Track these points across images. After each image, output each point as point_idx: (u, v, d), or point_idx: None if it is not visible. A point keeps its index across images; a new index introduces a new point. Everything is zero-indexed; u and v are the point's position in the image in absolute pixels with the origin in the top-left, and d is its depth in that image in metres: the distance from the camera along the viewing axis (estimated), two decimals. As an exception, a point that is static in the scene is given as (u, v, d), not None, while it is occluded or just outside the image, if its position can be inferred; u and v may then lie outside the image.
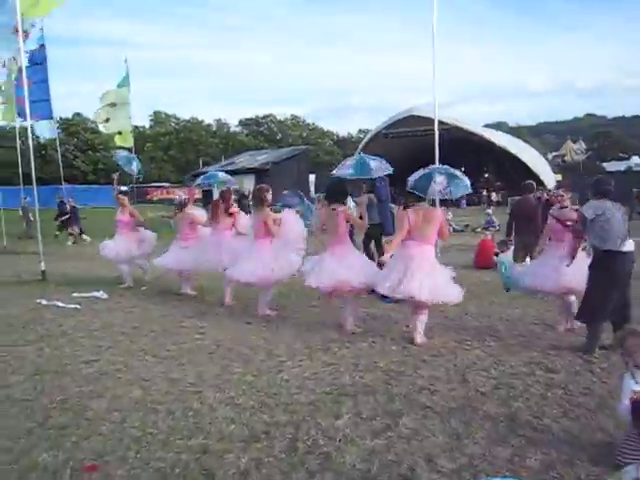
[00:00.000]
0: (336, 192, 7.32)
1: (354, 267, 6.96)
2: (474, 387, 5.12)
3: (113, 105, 22.29)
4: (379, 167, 8.54)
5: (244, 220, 9.25)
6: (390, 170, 8.39)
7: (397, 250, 6.62)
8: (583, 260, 6.25)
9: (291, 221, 8.10)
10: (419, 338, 6.50)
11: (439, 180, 6.72)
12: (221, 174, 10.68)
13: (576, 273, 6.29)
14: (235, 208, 9.39)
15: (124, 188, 11.20)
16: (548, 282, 6.76)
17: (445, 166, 7.03)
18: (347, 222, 7.19)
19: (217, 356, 6.21)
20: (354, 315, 7.27)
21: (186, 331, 7.33)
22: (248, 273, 8.02)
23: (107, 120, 22.03)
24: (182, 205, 10.11)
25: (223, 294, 9.15)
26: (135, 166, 11.75)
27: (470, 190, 6.95)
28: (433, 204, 6.78)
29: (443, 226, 6.63)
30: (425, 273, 6.31)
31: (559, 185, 8.29)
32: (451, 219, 23.18)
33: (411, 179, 6.67)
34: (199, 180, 10.58)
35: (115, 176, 11.75)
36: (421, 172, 6.76)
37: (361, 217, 7.77)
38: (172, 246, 10.09)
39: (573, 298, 6.81)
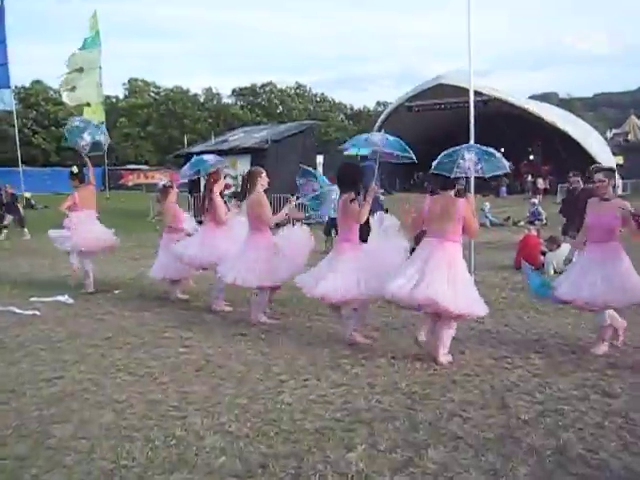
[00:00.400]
0: (346, 177, 7.34)
1: (362, 272, 7.00)
2: (515, 414, 5.11)
3: (80, 70, 22.27)
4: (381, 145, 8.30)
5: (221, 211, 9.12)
6: (412, 156, 8.13)
7: (419, 248, 6.64)
8: (628, 268, 6.26)
9: (297, 237, 8.35)
10: (442, 356, 6.45)
11: (468, 157, 6.69)
12: (211, 158, 10.49)
13: (625, 284, 6.29)
14: (216, 196, 9.19)
15: (75, 169, 10.80)
16: (582, 293, 6.56)
17: (476, 145, 7.01)
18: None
19: (205, 374, 6.22)
20: (360, 323, 7.28)
21: (168, 343, 7.35)
22: (236, 271, 8.15)
23: (73, 89, 22.04)
24: (164, 193, 10.14)
25: (212, 298, 9.23)
26: (89, 135, 11.29)
27: (507, 170, 6.87)
28: (460, 193, 6.70)
29: (468, 220, 6.54)
30: (445, 276, 6.29)
31: (596, 169, 8.20)
32: (488, 210, 23.15)
33: (436, 161, 6.69)
34: (184, 173, 10.47)
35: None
36: (446, 151, 6.77)
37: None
38: (159, 251, 10.14)
39: (611, 312, 6.76)
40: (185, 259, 9.18)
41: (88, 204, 10.81)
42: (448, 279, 6.27)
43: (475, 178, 8.86)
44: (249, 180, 8.31)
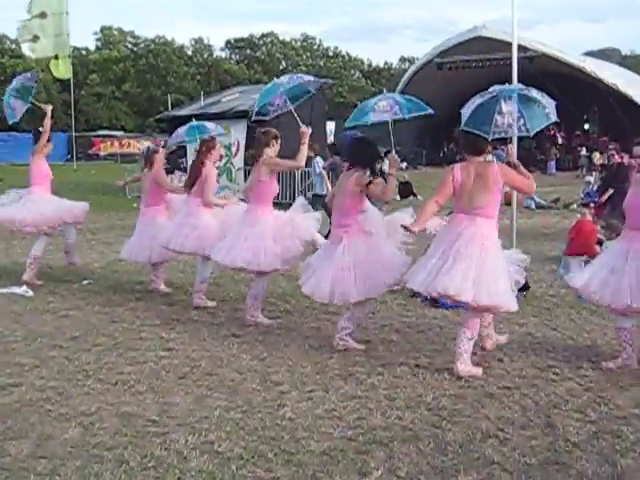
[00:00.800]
0: (358, 151, 7.32)
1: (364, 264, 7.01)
2: (563, 435, 5.11)
3: (43, 16, 22.15)
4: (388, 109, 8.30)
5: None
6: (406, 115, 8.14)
7: (442, 227, 6.62)
8: None
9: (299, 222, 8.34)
10: (461, 366, 6.36)
11: (506, 109, 6.55)
12: (212, 127, 10.48)
13: None
14: (209, 169, 9.17)
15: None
16: (605, 293, 6.56)
17: (516, 85, 6.93)
18: (361, 192, 7.16)
19: (190, 382, 6.24)
20: (350, 322, 7.26)
21: (147, 345, 7.37)
22: (235, 253, 8.13)
23: (35, 38, 21.95)
24: (148, 159, 10.15)
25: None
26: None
27: (554, 119, 6.73)
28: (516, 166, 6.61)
29: (516, 182, 6.56)
30: (471, 262, 6.22)
31: (638, 141, 8.02)
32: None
33: (465, 111, 6.57)
34: (172, 139, 10.43)
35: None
36: (478, 100, 6.64)
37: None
38: (137, 228, 10.18)
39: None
40: (163, 241, 9.18)
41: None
42: (476, 264, 6.20)
43: (519, 149, 8.78)
44: (264, 140, 8.37)
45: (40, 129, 10.93)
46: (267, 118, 8.82)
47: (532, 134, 6.68)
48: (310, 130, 8.28)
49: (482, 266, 6.23)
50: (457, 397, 5.86)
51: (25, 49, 23.09)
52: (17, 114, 11.02)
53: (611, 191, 14.04)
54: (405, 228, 6.65)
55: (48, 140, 10.97)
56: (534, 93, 6.63)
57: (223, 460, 4.73)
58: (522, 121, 6.54)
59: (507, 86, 6.84)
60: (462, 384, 6.16)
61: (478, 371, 6.37)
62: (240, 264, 8.08)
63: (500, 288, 6.27)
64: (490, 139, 6.48)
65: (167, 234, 9.11)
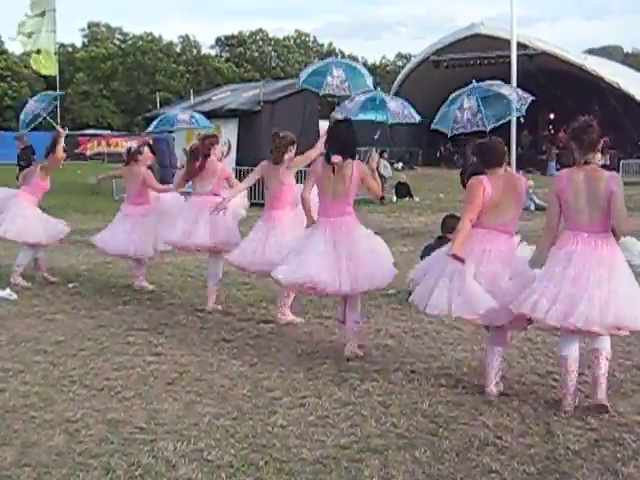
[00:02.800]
0: (343, 140, 7.29)
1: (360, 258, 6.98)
2: (563, 443, 5.11)
3: (42, 15, 22.21)
4: (399, 111, 8.52)
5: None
6: (416, 118, 8.35)
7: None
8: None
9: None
10: (495, 388, 6.07)
11: (467, 105, 6.62)
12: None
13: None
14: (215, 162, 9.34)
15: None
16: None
17: (482, 84, 7.04)
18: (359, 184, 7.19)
19: (179, 388, 6.23)
20: (355, 330, 7.24)
21: (134, 350, 7.35)
22: (250, 253, 8.20)
23: (30, 35, 21.94)
24: (132, 157, 10.29)
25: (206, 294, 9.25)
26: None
27: (516, 113, 6.77)
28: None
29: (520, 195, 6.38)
30: (503, 278, 6.02)
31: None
32: (532, 191, 23.08)
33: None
34: (155, 124, 10.52)
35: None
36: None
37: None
38: (116, 218, 10.32)
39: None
40: (172, 239, 9.30)
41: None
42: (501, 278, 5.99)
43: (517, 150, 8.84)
44: (280, 144, 8.35)
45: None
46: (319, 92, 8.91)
47: (488, 129, 6.75)
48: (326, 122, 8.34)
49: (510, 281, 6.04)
50: (454, 404, 5.86)
51: (19, 43, 23.09)
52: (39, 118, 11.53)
53: None
54: (455, 257, 5.99)
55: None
56: (503, 89, 6.70)
57: (213, 468, 4.72)
58: (479, 116, 6.59)
59: (475, 84, 6.95)
60: (459, 391, 6.16)
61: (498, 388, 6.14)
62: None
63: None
64: (450, 135, 6.53)
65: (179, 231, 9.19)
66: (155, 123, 10.72)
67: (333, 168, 7.04)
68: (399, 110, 8.41)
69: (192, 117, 10.40)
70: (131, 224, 10.06)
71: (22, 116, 11.54)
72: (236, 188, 8.91)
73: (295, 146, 8.39)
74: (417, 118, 8.26)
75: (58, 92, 11.81)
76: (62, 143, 10.86)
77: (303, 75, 8.92)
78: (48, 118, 11.05)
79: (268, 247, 8.07)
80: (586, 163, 5.67)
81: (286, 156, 8.29)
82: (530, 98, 6.83)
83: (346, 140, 7.16)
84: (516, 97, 6.77)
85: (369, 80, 8.81)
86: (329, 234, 7.07)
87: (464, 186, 6.52)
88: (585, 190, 5.62)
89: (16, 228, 10.60)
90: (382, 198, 7.40)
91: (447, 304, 5.95)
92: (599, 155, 5.78)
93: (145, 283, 10.32)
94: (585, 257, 5.57)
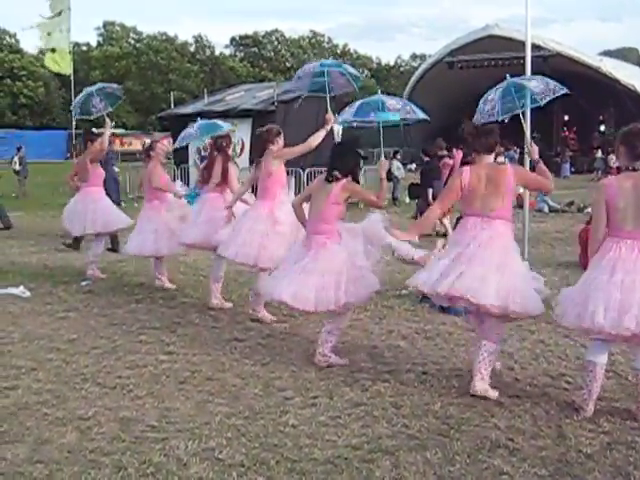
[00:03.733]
0: (340, 155, 7.21)
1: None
2: (575, 446, 5.09)
3: (59, 14, 22.38)
4: (400, 107, 8.40)
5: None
6: (419, 114, 8.26)
7: (454, 233, 6.58)
8: None
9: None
10: (479, 383, 6.09)
11: (490, 97, 6.68)
12: (226, 125, 10.67)
13: None
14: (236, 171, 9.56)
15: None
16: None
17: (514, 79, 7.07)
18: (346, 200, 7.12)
19: (191, 387, 6.25)
20: (334, 336, 7.07)
21: (147, 349, 7.38)
22: (242, 248, 8.24)
23: (49, 34, 22.11)
24: (146, 153, 10.45)
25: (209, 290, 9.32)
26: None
27: (532, 104, 6.84)
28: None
29: (533, 182, 6.48)
30: (492, 263, 6.03)
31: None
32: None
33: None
34: (186, 136, 10.64)
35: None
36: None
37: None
38: (138, 219, 10.48)
39: None
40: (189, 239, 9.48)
41: None
42: (497, 266, 5.99)
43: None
44: (265, 138, 8.51)
45: (94, 130, 11.38)
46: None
47: (499, 118, 6.80)
48: (336, 120, 8.32)
49: (505, 270, 6.04)
50: (465, 405, 5.85)
51: (40, 42, 23.33)
52: (94, 113, 11.41)
53: None
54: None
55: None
56: (532, 82, 6.72)
57: (224, 467, 4.73)
58: (496, 108, 6.63)
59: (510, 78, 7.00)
60: (472, 392, 6.14)
61: (494, 394, 6.05)
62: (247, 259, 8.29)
63: (528, 292, 6.08)
64: (475, 124, 6.52)
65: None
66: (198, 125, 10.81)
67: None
68: (399, 106, 8.30)
69: (198, 129, 10.50)
70: (151, 225, 10.14)
71: (79, 103, 11.73)
72: (237, 192, 9.09)
73: (281, 137, 8.50)
74: (421, 115, 8.12)
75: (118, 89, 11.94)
76: (108, 134, 11.23)
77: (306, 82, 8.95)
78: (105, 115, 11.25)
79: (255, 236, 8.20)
80: (634, 170, 5.65)
81: (273, 147, 8.39)
82: (560, 92, 6.82)
83: (341, 159, 7.10)
84: (542, 88, 6.77)
85: (347, 67, 8.93)
86: (307, 250, 7.05)
87: None
88: (633, 197, 5.56)
89: (103, 220, 11.25)
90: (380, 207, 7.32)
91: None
92: None
93: (168, 284, 10.39)
94: (629, 263, 5.53)
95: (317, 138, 8.27)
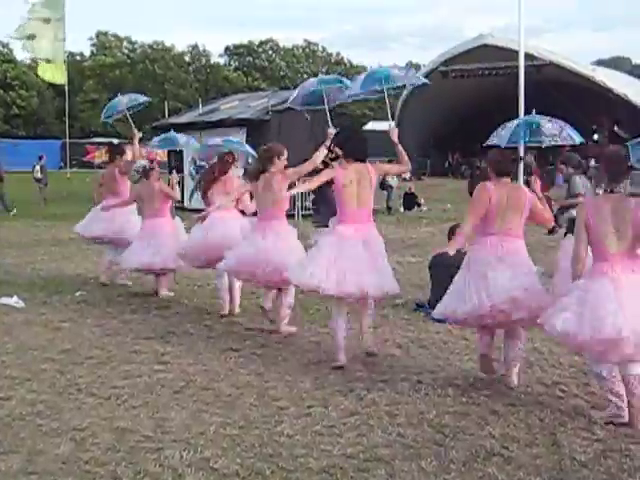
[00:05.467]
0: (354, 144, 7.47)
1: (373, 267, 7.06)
2: (569, 454, 5.10)
3: (47, 21, 22.32)
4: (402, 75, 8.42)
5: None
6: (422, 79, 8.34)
7: (474, 253, 6.61)
8: None
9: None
10: (515, 378, 6.55)
11: (510, 124, 6.79)
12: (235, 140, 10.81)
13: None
14: (240, 183, 9.62)
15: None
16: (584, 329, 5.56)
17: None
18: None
19: (186, 397, 6.24)
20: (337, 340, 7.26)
21: (141, 359, 7.37)
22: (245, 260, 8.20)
23: (31, 37, 22.02)
24: (145, 174, 10.54)
25: (220, 301, 9.42)
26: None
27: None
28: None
29: (539, 209, 6.59)
30: (516, 278, 6.29)
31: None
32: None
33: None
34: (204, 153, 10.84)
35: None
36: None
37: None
38: (138, 237, 10.44)
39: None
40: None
41: None
42: (522, 283, 6.27)
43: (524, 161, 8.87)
44: (266, 156, 8.41)
45: (114, 142, 11.54)
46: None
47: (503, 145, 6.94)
48: (335, 131, 8.30)
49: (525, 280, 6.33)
50: (460, 414, 5.85)
51: (21, 47, 23.27)
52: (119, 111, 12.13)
53: None
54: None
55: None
56: (547, 125, 6.88)
57: (219, 477, 4.73)
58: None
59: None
60: (466, 401, 6.16)
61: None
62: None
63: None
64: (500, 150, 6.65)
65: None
66: (159, 139, 10.96)
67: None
68: (403, 74, 8.36)
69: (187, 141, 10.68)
70: (156, 238, 10.18)
71: (110, 109, 11.91)
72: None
73: (282, 157, 8.31)
74: (422, 79, 8.27)
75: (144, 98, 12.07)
76: (136, 145, 11.33)
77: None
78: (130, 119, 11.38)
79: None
80: (612, 192, 5.74)
81: (272, 167, 8.21)
82: (570, 141, 7.02)
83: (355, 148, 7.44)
84: (554, 132, 6.92)
85: (346, 82, 8.87)
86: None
87: (471, 194, 6.73)
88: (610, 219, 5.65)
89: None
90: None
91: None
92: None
93: (165, 290, 10.46)
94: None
95: (320, 155, 8.10)
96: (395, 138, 7.43)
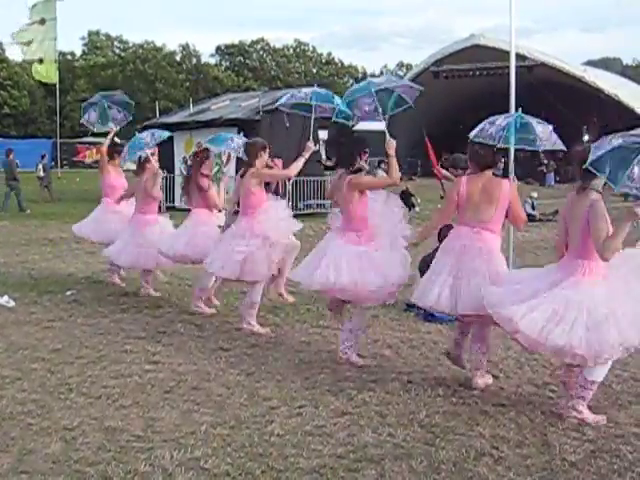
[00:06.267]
0: (345, 148, 7.45)
1: (372, 264, 7.03)
2: (560, 454, 5.12)
3: (42, 22, 22.28)
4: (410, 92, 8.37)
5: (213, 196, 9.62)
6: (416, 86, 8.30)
7: (446, 241, 6.66)
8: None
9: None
10: (480, 378, 6.51)
11: (498, 122, 6.77)
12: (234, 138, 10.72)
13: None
14: (205, 181, 9.59)
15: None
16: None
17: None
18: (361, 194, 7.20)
19: (176, 396, 6.23)
20: (357, 339, 7.31)
21: (132, 358, 7.35)
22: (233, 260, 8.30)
23: (29, 43, 22.02)
24: (141, 166, 10.41)
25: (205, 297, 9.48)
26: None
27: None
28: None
29: (515, 205, 6.53)
30: (482, 274, 6.30)
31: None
32: (530, 200, 23.18)
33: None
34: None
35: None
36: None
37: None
38: (127, 230, 10.45)
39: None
40: (173, 253, 9.57)
41: None
42: (490, 278, 6.28)
43: (516, 160, 8.85)
44: (252, 151, 8.54)
45: (117, 141, 11.49)
46: (350, 123, 8.68)
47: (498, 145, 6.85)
48: (315, 148, 8.34)
49: (496, 278, 6.29)
50: (451, 414, 5.86)
51: (20, 52, 23.27)
52: (116, 124, 11.92)
53: None
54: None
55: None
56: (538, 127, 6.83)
57: (209, 477, 4.73)
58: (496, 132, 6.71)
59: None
60: (456, 401, 6.17)
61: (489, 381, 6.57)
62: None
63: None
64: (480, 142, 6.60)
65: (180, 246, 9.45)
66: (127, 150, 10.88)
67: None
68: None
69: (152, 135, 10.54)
70: (140, 234, 10.16)
71: (97, 118, 11.86)
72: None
73: (266, 151, 8.53)
74: (416, 86, 8.14)
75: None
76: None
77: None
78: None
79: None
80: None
81: (257, 161, 8.43)
82: (559, 147, 6.99)
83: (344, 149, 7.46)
84: (545, 137, 6.86)
85: (337, 100, 8.69)
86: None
87: None
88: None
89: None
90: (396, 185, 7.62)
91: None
92: None
93: (152, 291, 10.46)
94: None
95: (297, 167, 8.47)
96: (392, 151, 7.26)
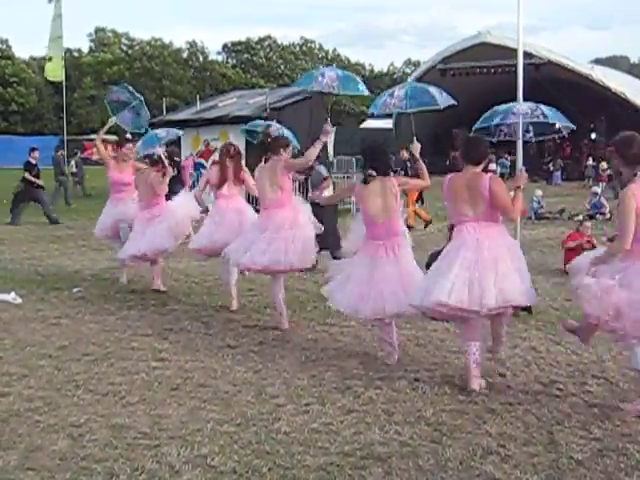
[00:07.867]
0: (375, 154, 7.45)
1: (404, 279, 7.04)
2: (566, 453, 5.11)
3: (56, 18, 22.40)
4: (441, 96, 8.53)
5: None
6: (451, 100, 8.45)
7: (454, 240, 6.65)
8: None
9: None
10: (475, 381, 6.37)
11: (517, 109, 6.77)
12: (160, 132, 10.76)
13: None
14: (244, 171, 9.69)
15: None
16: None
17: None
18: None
19: (183, 394, 6.24)
20: (391, 340, 7.30)
21: (139, 355, 7.37)
22: (259, 254, 8.21)
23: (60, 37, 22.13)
24: (153, 164, 10.57)
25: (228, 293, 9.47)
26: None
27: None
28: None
29: (501, 197, 6.37)
30: (510, 266, 6.35)
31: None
32: (536, 200, 23.09)
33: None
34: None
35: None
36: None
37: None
38: (135, 223, 10.51)
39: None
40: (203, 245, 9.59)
41: None
42: (513, 269, 6.37)
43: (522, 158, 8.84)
44: (275, 145, 8.51)
45: (129, 137, 11.49)
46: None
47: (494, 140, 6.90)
48: (333, 129, 8.31)
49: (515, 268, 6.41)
50: (458, 412, 5.86)
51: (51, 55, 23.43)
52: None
53: None
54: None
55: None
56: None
57: (216, 474, 4.73)
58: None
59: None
60: (463, 399, 6.16)
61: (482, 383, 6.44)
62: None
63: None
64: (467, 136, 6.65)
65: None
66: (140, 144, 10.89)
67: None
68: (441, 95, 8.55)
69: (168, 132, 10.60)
70: (148, 227, 10.25)
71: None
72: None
73: (288, 149, 8.50)
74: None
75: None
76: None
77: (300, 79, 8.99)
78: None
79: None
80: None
81: (277, 157, 8.37)
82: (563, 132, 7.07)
83: (377, 160, 7.40)
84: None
85: (362, 87, 8.81)
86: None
87: None
88: None
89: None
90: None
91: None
92: None
93: (161, 285, 10.50)
94: None
95: (314, 151, 8.19)
96: (417, 153, 7.44)
